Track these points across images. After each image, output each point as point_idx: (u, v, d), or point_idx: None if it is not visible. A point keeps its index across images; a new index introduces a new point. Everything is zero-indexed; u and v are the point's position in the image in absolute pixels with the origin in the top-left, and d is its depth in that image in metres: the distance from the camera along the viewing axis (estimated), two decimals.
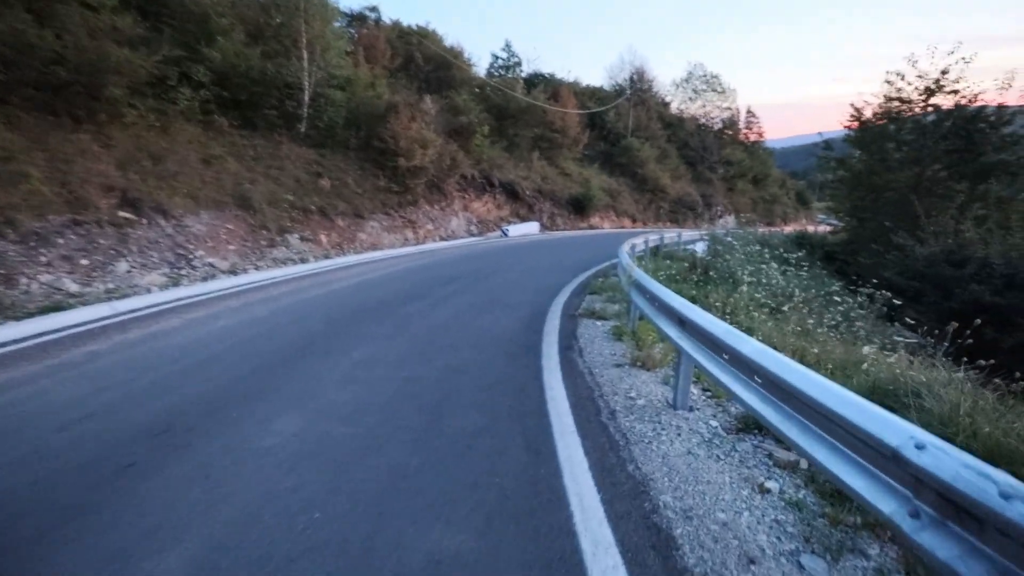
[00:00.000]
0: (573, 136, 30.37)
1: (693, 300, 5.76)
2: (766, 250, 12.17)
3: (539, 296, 8.34)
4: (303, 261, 12.12)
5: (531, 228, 23.38)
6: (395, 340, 5.64)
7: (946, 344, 4.03)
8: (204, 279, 9.67)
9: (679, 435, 3.38)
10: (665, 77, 59.69)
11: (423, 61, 27.87)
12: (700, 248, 15.73)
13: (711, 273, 9.06)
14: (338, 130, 16.47)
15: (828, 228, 37.47)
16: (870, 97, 22.14)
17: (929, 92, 16.26)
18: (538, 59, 56.51)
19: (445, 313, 7.06)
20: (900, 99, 16.79)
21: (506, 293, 8.54)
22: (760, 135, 56.55)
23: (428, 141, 17.42)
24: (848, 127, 25.02)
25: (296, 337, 5.74)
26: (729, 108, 51.01)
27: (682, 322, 3.65)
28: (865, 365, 4.09)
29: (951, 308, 8.52)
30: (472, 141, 22.89)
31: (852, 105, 24.01)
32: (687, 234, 17.90)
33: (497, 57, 35.46)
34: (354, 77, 17.70)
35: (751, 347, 2.81)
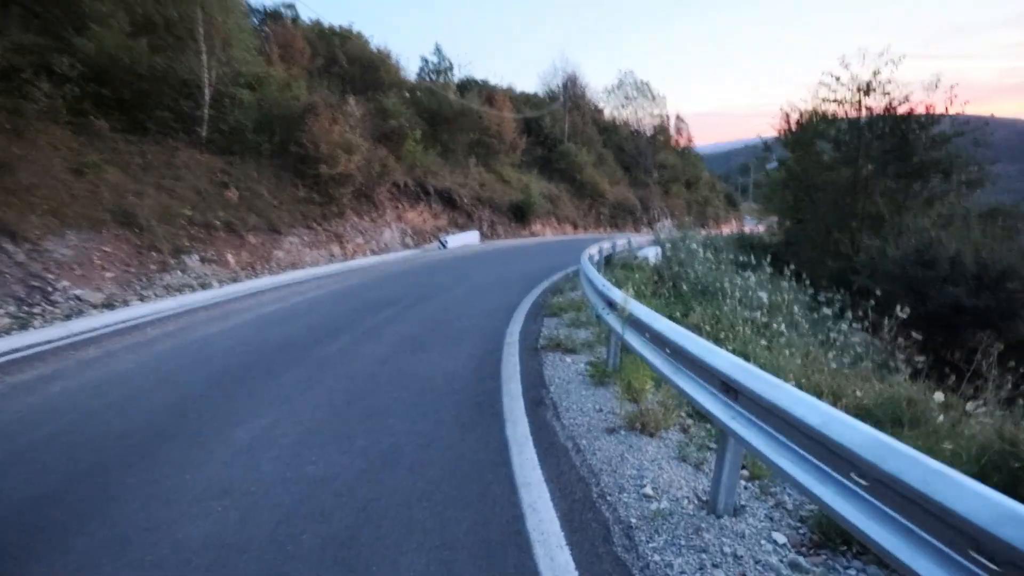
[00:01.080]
0: (510, 141, 29.34)
1: (675, 321, 4.68)
2: (722, 254, 11.46)
3: (490, 321, 7.01)
4: (204, 287, 10.18)
5: (471, 238, 22.05)
6: (301, 403, 4.15)
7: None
8: (67, 316, 7.66)
9: (743, 572, 2.15)
10: (597, 84, 60.34)
11: (347, 63, 26.00)
12: (651, 255, 14.96)
13: (682, 286, 8.06)
14: (248, 134, 14.47)
15: (762, 228, 38.64)
16: (799, 103, 22.57)
17: (863, 92, 16.38)
18: (470, 64, 55.61)
19: (374, 353, 5.59)
20: (836, 100, 16.85)
21: (450, 319, 7.15)
22: (689, 140, 58.08)
23: (353, 146, 15.73)
24: (781, 130, 25.58)
25: (161, 408, 4.12)
26: (659, 115, 51.97)
27: (730, 389, 2.41)
28: (942, 418, 3.04)
29: (929, 312, 7.99)
30: (404, 146, 21.29)
31: (782, 109, 24.42)
32: (636, 239, 17.14)
33: (427, 61, 33.94)
34: (266, 76, 15.75)
35: (840, 424, 1.66)
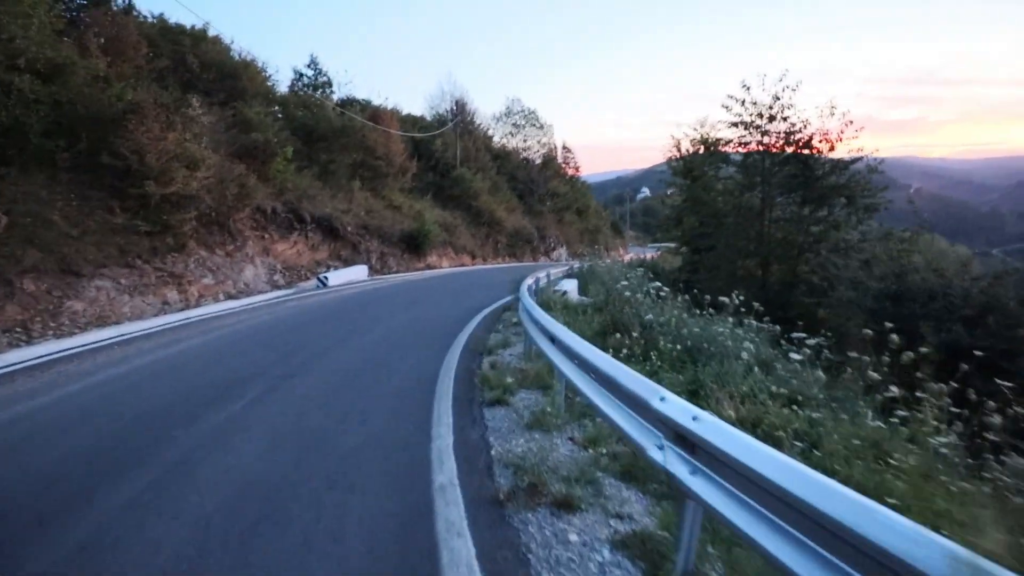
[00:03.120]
0: (400, 164, 26.54)
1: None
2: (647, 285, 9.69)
3: (397, 426, 4.28)
4: None
5: (358, 272, 18.80)
6: None
7: None
8: None
9: None
10: (485, 111, 58.95)
11: (200, 68, 21.77)
12: (570, 287, 12.97)
13: (659, 342, 5.90)
14: (32, 137, 10.38)
15: (654, 256, 39.29)
16: (688, 130, 22.63)
17: (766, 118, 16.11)
18: (350, 84, 51.93)
19: (178, 540, 2.63)
20: (742, 122, 16.42)
21: (327, 430, 4.29)
22: (577, 170, 59.09)
23: (197, 159, 12.11)
24: (673, 157, 25.57)
25: None
26: (547, 143, 52.12)
27: None
28: None
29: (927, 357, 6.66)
30: (272, 165, 17.73)
31: (672, 137, 24.46)
32: (550, 270, 15.15)
33: (301, 75, 30.18)
34: (69, 64, 11.69)
35: None
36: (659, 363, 5.53)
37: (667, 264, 26.95)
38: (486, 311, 10.91)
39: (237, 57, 23.61)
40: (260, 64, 24.59)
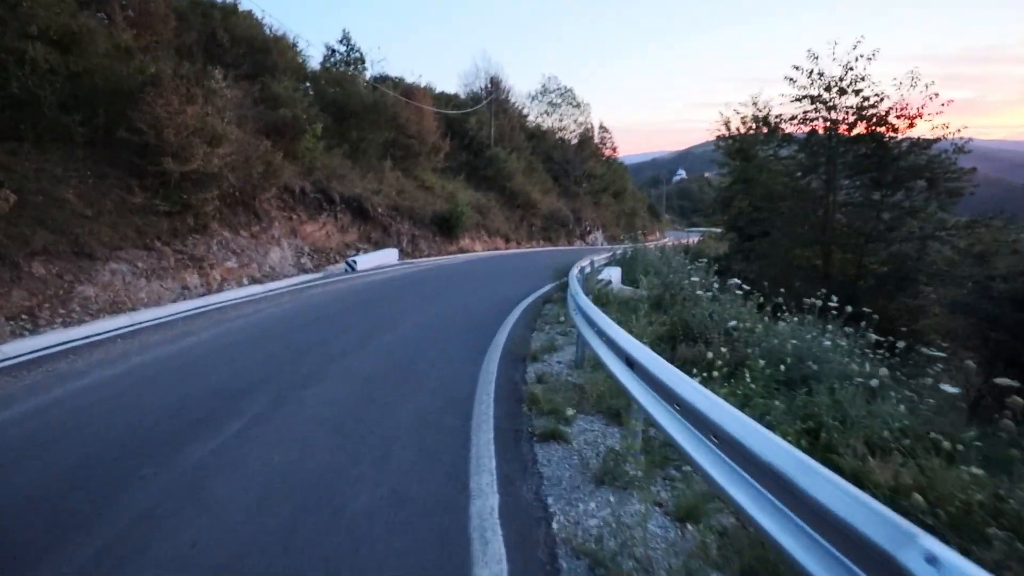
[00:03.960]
0: (432, 143, 25.57)
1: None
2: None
3: (427, 479, 3.32)
4: None
5: (388, 256, 18.01)
6: None
7: None
8: None
9: None
10: (520, 88, 57.02)
11: (230, 43, 21.12)
12: (613, 277, 11.82)
13: (752, 357, 4.77)
14: (46, 111, 9.78)
15: (697, 240, 37.45)
16: (739, 107, 20.89)
17: (841, 91, 14.39)
18: (383, 61, 51.05)
19: None
20: (811, 97, 14.73)
21: (340, 475, 3.37)
22: (614, 151, 56.99)
23: (219, 135, 11.37)
24: (721, 135, 23.71)
25: None
26: (584, 122, 50.21)
27: None
28: None
29: None
30: (301, 143, 16.99)
31: (721, 114, 22.67)
32: (593, 257, 13.98)
33: (334, 51, 29.33)
34: (86, 32, 11.03)
35: None
36: (751, 384, 4.41)
37: (710, 251, 25.37)
38: (525, 303, 9.91)
39: (268, 32, 22.90)
40: (292, 39, 23.84)
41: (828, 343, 5.02)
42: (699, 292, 6.47)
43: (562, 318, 8.18)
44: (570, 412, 4.04)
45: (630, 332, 4.24)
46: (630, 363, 3.25)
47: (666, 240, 38.40)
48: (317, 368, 5.44)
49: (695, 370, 4.81)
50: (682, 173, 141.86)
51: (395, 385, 4.95)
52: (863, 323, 5.61)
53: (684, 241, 33.17)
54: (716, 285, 7.81)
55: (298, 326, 7.89)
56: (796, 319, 5.95)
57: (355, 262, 15.54)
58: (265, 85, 17.52)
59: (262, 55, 21.34)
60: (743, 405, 4.01)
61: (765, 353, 4.94)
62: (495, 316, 8.49)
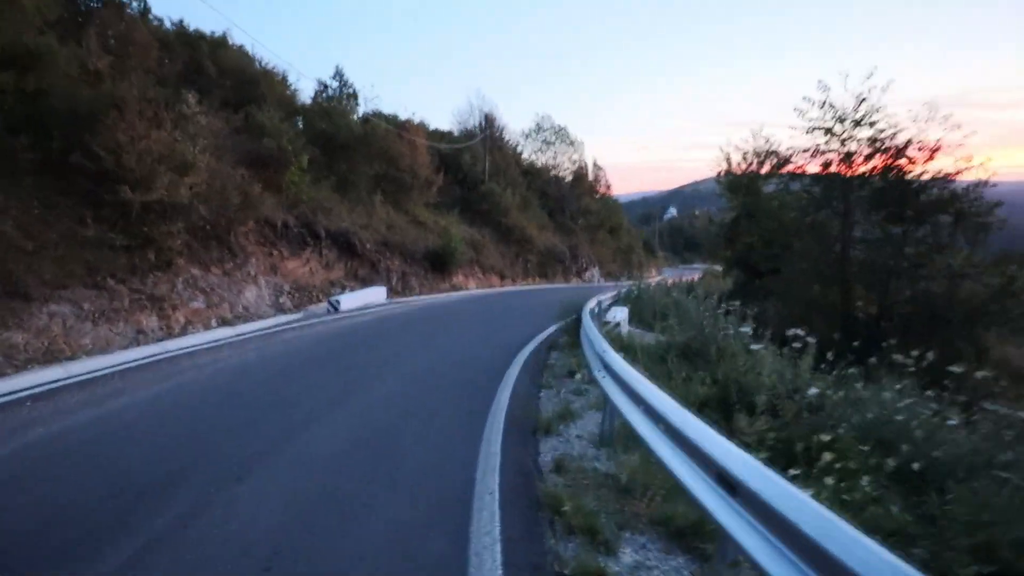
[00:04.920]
0: (425, 177, 24.73)
1: None
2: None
3: None
4: None
5: (375, 295, 16.80)
6: None
7: None
8: None
9: None
10: (514, 127, 56.98)
11: (217, 75, 20.41)
12: (621, 317, 10.68)
13: (833, 436, 3.56)
14: None
15: (694, 278, 36.59)
16: (740, 142, 20.28)
17: (856, 123, 13.66)
18: (377, 98, 50.96)
19: None
20: (824, 129, 13.99)
21: None
22: (608, 188, 56.81)
23: (189, 163, 10.30)
24: (723, 172, 23.07)
25: None
26: (578, 159, 50.06)
27: None
28: None
29: None
30: (286, 175, 16.00)
31: (722, 150, 22.16)
32: (599, 297, 12.85)
33: (325, 86, 28.81)
34: (47, 51, 10.06)
35: None
36: (840, 482, 3.16)
37: (712, 289, 24.42)
38: (527, 350, 8.70)
39: (259, 66, 22.26)
40: (281, 73, 23.21)
41: (921, 412, 3.85)
42: (752, 346, 5.29)
43: (571, 369, 6.96)
44: (611, 531, 2.79)
45: (667, 393, 3.06)
46: (725, 482, 2.04)
47: (667, 277, 37.48)
48: (265, 448, 4.16)
49: (761, 449, 3.62)
50: (673, 211, 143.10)
51: (365, 478, 3.68)
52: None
53: (685, 278, 32.27)
54: (747, 330, 6.66)
55: (258, 381, 6.60)
56: (875, 379, 4.77)
57: (338, 301, 14.31)
58: (250, 115, 16.64)
59: (250, 87, 20.62)
60: (857, 511, 2.81)
61: (856, 430, 3.73)
62: (494, 367, 7.26)
